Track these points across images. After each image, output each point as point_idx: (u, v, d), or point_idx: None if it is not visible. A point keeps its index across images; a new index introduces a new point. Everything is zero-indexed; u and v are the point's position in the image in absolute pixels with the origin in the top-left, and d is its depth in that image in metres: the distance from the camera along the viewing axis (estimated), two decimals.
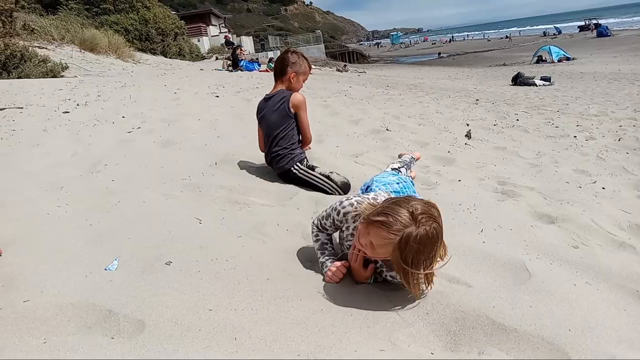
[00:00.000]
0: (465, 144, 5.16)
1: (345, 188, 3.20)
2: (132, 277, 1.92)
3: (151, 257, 2.08)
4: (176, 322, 1.61)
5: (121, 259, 2.07)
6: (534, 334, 1.65)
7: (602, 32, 46.89)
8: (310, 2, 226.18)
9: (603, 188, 3.69)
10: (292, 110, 3.22)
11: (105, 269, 1.99)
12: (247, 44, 38.28)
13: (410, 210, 1.68)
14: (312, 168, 3.28)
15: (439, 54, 52.46)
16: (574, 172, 4.23)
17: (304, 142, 3.42)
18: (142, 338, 1.53)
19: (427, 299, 1.87)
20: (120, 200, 2.86)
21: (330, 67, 26.34)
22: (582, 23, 60.51)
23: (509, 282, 2.04)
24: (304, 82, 3.42)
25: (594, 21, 59.39)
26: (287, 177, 3.31)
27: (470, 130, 5.70)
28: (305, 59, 3.40)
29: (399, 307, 1.82)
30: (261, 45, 42.14)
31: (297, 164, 3.27)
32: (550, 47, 30.31)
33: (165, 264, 2.02)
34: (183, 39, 26.51)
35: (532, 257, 2.33)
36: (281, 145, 3.27)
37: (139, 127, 5.20)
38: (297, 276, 2.03)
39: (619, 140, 5.82)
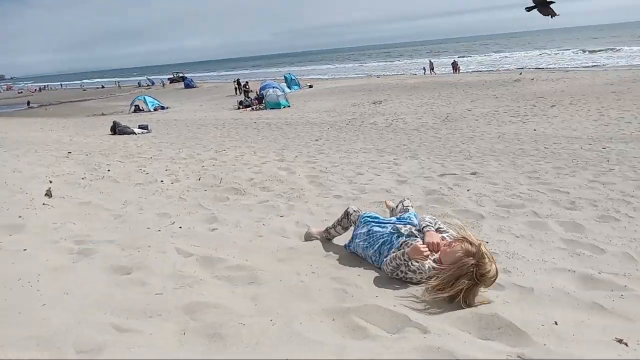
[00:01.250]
0: (44, 204, 4.64)
1: None
2: None
3: None
4: None
5: None
6: None
7: (188, 83, 53.35)
8: None
9: (180, 227, 3.98)
10: None
11: None
12: None
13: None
14: None
15: (28, 102, 47.66)
16: (156, 216, 4.41)
17: None
18: None
19: None
20: None
21: None
22: (171, 76, 67.33)
23: None
24: None
25: (181, 74, 67.27)
26: None
27: (50, 187, 5.18)
28: None
29: None
30: None
31: None
32: (145, 97, 32.19)
33: None
34: None
35: (105, 328, 2.20)
36: None
37: None
38: None
39: (199, 179, 6.54)
